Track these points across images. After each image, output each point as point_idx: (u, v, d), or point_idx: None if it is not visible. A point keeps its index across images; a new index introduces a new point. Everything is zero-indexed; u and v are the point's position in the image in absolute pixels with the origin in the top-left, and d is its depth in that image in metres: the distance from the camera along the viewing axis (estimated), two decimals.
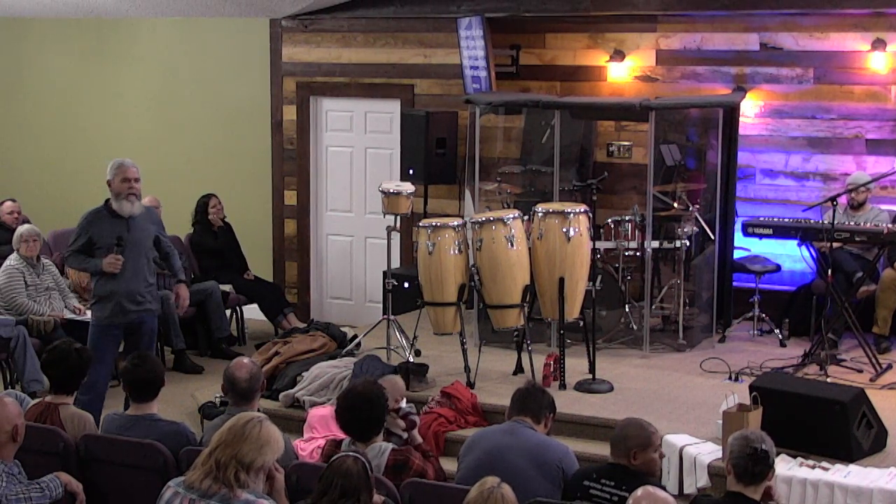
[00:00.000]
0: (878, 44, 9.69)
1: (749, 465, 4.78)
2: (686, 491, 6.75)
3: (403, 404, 6.34)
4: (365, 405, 5.66)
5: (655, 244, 9.18)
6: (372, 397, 5.70)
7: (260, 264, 11.48)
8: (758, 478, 4.80)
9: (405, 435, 6.13)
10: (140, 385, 5.84)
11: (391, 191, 9.02)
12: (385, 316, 9.12)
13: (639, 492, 4.42)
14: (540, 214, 8.44)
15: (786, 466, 6.50)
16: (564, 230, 8.30)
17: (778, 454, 6.51)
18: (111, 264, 7.65)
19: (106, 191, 7.92)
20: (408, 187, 9.14)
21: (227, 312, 10.69)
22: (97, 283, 7.81)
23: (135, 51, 12.47)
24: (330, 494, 4.47)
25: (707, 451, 6.85)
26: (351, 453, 4.61)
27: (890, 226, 8.69)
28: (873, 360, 8.50)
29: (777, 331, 9.51)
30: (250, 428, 4.42)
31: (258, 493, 4.42)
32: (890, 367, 8.58)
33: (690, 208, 9.32)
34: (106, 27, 12.50)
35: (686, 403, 7.88)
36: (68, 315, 9.36)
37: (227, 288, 10.63)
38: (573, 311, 8.43)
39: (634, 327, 9.38)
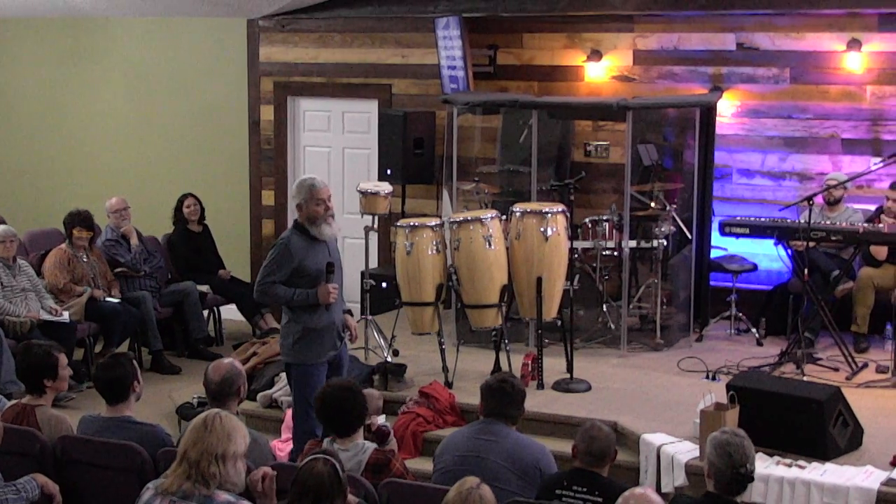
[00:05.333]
0: (854, 44, 9.74)
1: (734, 485, 4.84)
2: (664, 490, 6.76)
3: (380, 420, 6.32)
4: (343, 399, 5.65)
5: (633, 244, 9.20)
6: (349, 392, 5.71)
7: (237, 264, 11.45)
8: (741, 490, 4.85)
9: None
10: (108, 387, 5.80)
11: (369, 191, 9.03)
12: (363, 316, 9.12)
13: (627, 493, 4.44)
14: (518, 214, 8.46)
15: (763, 465, 6.52)
16: (542, 230, 8.32)
17: (755, 453, 6.57)
18: (330, 294, 6.83)
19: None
20: (385, 187, 9.15)
21: (205, 313, 10.67)
22: (303, 317, 6.90)
23: (111, 51, 12.42)
24: (302, 501, 4.45)
25: (684, 451, 6.87)
26: (321, 455, 4.58)
27: (865, 225, 8.73)
28: (849, 358, 8.54)
29: (754, 330, 9.54)
30: (211, 421, 4.44)
31: (237, 496, 4.41)
32: (866, 365, 8.62)
33: (668, 208, 9.34)
34: (82, 27, 12.45)
35: (663, 402, 7.89)
36: (45, 316, 9.32)
37: (204, 288, 10.61)
38: (551, 311, 8.44)
39: (612, 327, 9.40)
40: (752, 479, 4.90)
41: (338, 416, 5.67)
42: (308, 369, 6.90)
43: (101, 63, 12.49)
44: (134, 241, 10.36)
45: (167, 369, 9.97)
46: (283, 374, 8.43)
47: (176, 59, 12.14)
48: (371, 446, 5.67)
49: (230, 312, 11.06)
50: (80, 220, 9.89)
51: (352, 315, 7.41)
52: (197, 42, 12.03)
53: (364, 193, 9.03)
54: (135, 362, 5.92)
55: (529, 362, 8.32)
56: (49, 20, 12.52)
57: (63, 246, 9.91)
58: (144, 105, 12.33)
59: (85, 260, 9.89)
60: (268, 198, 11.73)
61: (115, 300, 9.87)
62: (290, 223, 11.47)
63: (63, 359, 6.11)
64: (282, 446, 7.54)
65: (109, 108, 12.49)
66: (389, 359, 8.50)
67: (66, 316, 9.42)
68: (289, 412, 7.94)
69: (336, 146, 11.47)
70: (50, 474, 5.51)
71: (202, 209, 11.00)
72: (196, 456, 4.35)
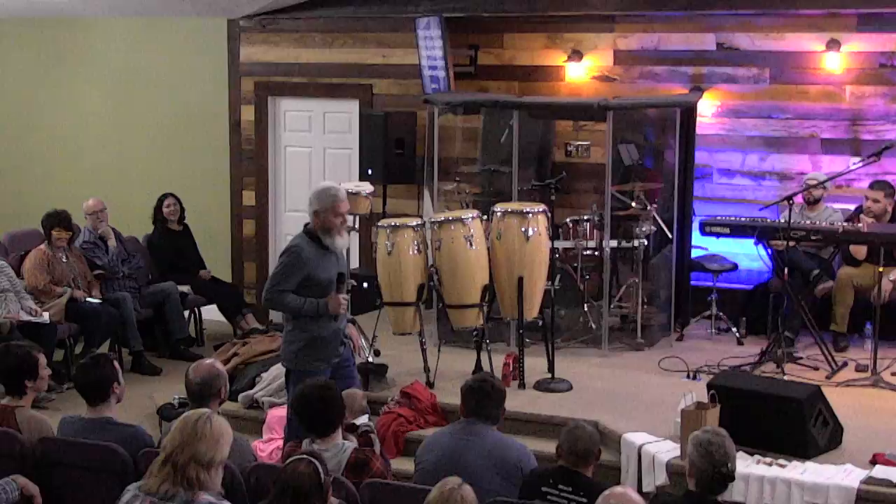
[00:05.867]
0: (833, 44, 9.78)
1: (715, 484, 4.86)
2: (645, 489, 6.77)
3: (363, 420, 6.31)
4: (321, 399, 5.66)
5: (614, 243, 9.21)
6: (327, 391, 5.72)
7: (218, 265, 11.43)
8: (722, 489, 4.87)
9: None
10: (88, 388, 5.79)
11: (350, 191, 8.97)
12: None
13: (607, 492, 4.44)
14: (499, 214, 8.46)
15: (743, 464, 6.53)
16: (523, 230, 8.32)
17: (736, 451, 6.59)
18: (340, 305, 6.76)
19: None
20: (367, 187, 9.13)
21: (186, 313, 10.64)
22: (310, 326, 6.77)
23: (91, 50, 12.39)
24: (281, 500, 4.46)
25: (665, 450, 6.88)
26: (304, 456, 4.58)
27: (845, 225, 8.77)
28: (829, 357, 8.58)
29: (734, 329, 9.57)
30: (202, 425, 4.39)
31: (218, 497, 4.41)
32: (845, 364, 8.65)
33: (648, 207, 9.36)
34: (62, 27, 12.41)
35: (644, 402, 7.91)
36: (24, 317, 9.27)
37: (185, 289, 10.58)
38: (532, 311, 8.45)
39: (593, 326, 9.41)
40: (732, 479, 4.91)
41: (317, 416, 5.66)
42: (310, 375, 6.66)
43: (80, 63, 12.45)
44: (112, 242, 10.32)
45: (148, 370, 9.93)
46: (265, 375, 8.44)
47: (156, 58, 12.11)
48: (351, 446, 5.68)
49: (211, 313, 11.03)
50: (58, 220, 9.84)
51: (355, 324, 7.35)
52: (177, 42, 12.00)
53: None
54: (116, 363, 5.90)
55: (511, 362, 8.32)
56: (28, 20, 12.47)
57: (42, 247, 9.86)
58: (124, 105, 12.29)
59: (64, 260, 9.85)
60: (248, 198, 11.70)
61: (96, 301, 9.83)
62: (271, 223, 11.63)
63: (43, 359, 6.09)
64: (263, 447, 7.53)
65: (89, 107, 12.46)
66: (371, 359, 8.49)
67: (46, 317, 9.37)
68: (270, 412, 7.94)
69: (317, 146, 11.46)
70: (30, 476, 5.50)
71: (182, 209, 10.98)
72: (184, 461, 4.33)
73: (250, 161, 11.64)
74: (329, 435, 5.65)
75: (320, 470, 4.52)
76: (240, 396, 8.31)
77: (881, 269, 8.44)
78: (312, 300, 6.71)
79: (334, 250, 6.82)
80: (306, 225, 6.87)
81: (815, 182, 9.33)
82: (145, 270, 10.71)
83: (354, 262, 10.50)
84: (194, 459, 4.33)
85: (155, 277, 10.78)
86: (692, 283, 9.88)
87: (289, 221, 11.64)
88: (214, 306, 10.93)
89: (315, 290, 6.72)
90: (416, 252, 8.33)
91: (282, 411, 7.86)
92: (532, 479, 5.45)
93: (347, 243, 6.97)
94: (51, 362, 9.14)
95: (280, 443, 7.33)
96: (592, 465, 5.38)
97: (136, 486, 4.48)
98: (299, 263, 6.70)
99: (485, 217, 8.55)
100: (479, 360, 8.49)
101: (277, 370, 8.44)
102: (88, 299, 9.79)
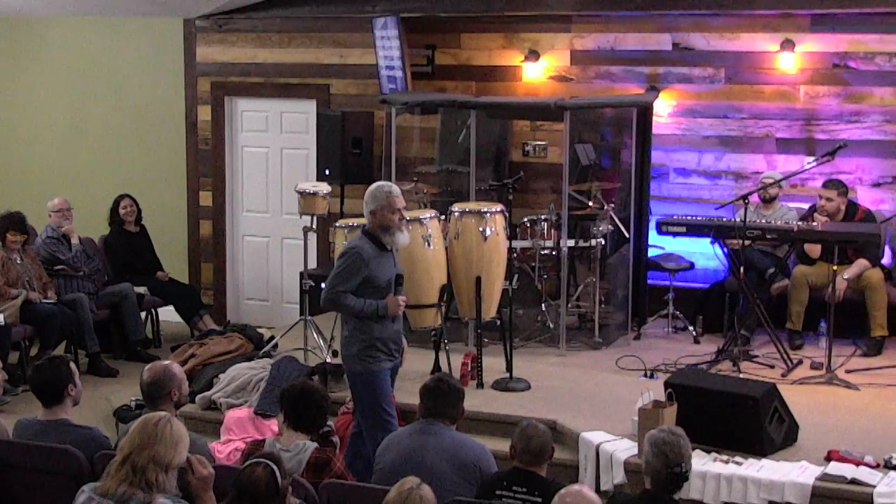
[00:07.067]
0: (787, 44, 9.85)
1: (669, 484, 4.88)
2: (603, 488, 6.80)
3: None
4: (319, 398, 5.77)
5: (571, 243, 9.24)
6: (322, 395, 5.85)
7: (175, 265, 11.37)
8: (677, 488, 4.90)
9: None
10: (44, 390, 5.74)
11: (308, 191, 9.00)
12: (302, 317, 9.10)
13: (563, 491, 4.46)
14: (456, 214, 8.48)
15: (700, 461, 6.58)
16: (481, 230, 8.35)
17: (693, 450, 6.62)
18: (400, 306, 6.82)
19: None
20: (324, 188, 9.13)
21: (143, 314, 10.58)
22: (370, 327, 6.77)
23: (47, 50, 12.28)
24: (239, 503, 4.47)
25: (623, 448, 6.91)
26: (262, 461, 4.58)
27: (799, 223, 8.84)
28: (784, 355, 8.64)
29: (691, 328, 9.63)
30: (162, 427, 4.39)
31: (175, 498, 4.39)
32: (801, 362, 8.72)
33: (605, 207, 9.40)
34: (17, 26, 12.30)
35: (602, 401, 7.94)
36: None
37: (141, 290, 10.52)
38: (490, 311, 8.47)
39: (551, 326, 9.44)
40: (686, 479, 4.94)
41: (306, 414, 5.72)
42: (376, 375, 6.77)
43: (36, 63, 12.34)
44: (75, 240, 10.26)
45: (104, 372, 9.86)
46: (222, 376, 8.40)
47: (112, 58, 12.03)
48: (311, 446, 5.67)
49: (168, 314, 10.97)
50: (12, 223, 9.75)
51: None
52: (133, 42, 11.92)
53: (302, 194, 9.01)
54: (72, 365, 5.85)
55: (469, 362, 8.33)
56: None
57: None
58: (80, 105, 12.20)
59: (19, 262, 9.76)
60: (205, 199, 11.65)
61: (51, 302, 9.76)
62: (228, 224, 11.57)
63: None
64: (221, 448, 7.50)
65: (45, 108, 12.35)
66: (329, 359, 8.48)
67: (0, 319, 9.29)
68: (228, 414, 7.91)
69: (274, 146, 11.43)
70: None
71: (139, 210, 10.92)
72: (143, 463, 4.31)
73: (207, 161, 11.59)
74: (304, 433, 5.67)
75: (277, 474, 4.52)
76: (197, 398, 8.27)
77: (835, 268, 8.52)
78: (372, 302, 6.71)
79: (396, 247, 6.85)
80: (363, 227, 6.88)
81: (771, 181, 9.41)
82: (103, 273, 10.64)
83: (313, 263, 10.48)
84: (154, 461, 4.32)
85: (111, 278, 10.71)
86: (649, 282, 9.93)
87: (246, 222, 11.61)
88: (171, 307, 10.88)
89: (374, 292, 6.74)
90: None
91: (240, 412, 7.84)
92: (484, 487, 5.44)
93: (409, 239, 7.00)
94: (6, 365, 9.08)
95: (238, 444, 7.32)
96: (546, 464, 5.39)
97: (90, 487, 4.45)
98: (360, 264, 6.69)
99: (442, 217, 8.56)
100: (437, 360, 8.50)
101: (235, 371, 8.41)
102: (44, 301, 9.71)
